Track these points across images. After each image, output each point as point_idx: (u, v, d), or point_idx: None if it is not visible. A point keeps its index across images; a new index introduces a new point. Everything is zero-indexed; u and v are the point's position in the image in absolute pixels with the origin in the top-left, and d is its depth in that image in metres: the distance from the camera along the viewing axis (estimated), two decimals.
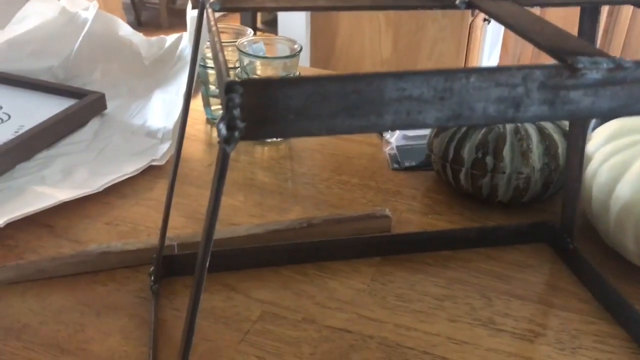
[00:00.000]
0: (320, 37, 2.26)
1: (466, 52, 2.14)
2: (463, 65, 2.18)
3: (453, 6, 0.33)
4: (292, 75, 0.81)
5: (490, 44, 2.52)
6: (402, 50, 2.17)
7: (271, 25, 2.96)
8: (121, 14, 3.30)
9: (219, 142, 0.24)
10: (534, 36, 0.27)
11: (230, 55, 0.83)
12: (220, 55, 0.25)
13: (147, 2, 4.03)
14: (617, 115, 0.26)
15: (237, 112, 0.22)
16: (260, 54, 0.81)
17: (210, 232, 0.27)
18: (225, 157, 0.24)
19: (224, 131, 0.23)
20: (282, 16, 2.31)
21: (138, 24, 3.84)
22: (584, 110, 0.25)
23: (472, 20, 2.13)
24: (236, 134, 0.23)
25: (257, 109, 0.22)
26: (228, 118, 0.22)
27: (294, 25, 2.25)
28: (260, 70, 0.80)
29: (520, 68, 0.24)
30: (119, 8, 3.33)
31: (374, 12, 2.15)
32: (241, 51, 0.77)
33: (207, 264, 0.28)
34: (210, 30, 0.29)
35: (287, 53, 0.80)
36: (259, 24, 3.06)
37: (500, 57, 2.77)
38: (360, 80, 0.23)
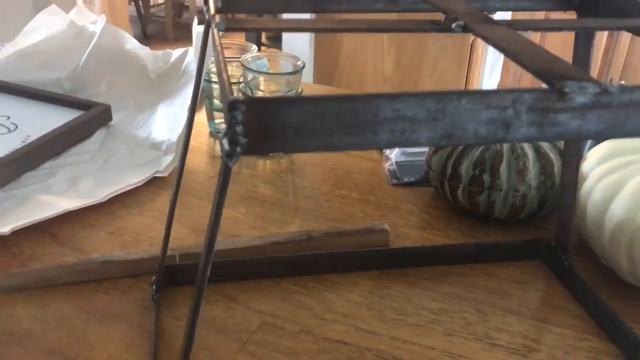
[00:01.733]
0: (323, 54, 2.28)
1: (467, 71, 2.17)
2: (464, 84, 2.20)
3: (449, 30, 0.35)
4: (294, 91, 0.82)
5: (492, 63, 2.54)
6: (404, 68, 2.20)
7: (276, 41, 2.99)
8: (128, 27, 3.34)
9: (221, 157, 0.25)
10: (525, 60, 0.29)
11: (235, 71, 0.85)
12: (224, 73, 0.26)
13: (153, 15, 4.07)
14: (604, 137, 0.27)
15: (239, 128, 0.24)
16: (264, 69, 0.83)
17: (211, 243, 0.28)
18: (228, 171, 0.25)
19: (226, 146, 0.24)
20: (286, 33, 2.34)
21: (144, 37, 3.88)
22: (571, 132, 0.27)
23: (474, 40, 2.16)
24: (238, 149, 0.24)
25: (258, 126, 0.24)
26: (231, 134, 0.24)
27: (298, 41, 2.27)
28: (264, 86, 0.82)
29: (510, 91, 0.25)
30: (125, 21, 3.37)
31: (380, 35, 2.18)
32: (245, 67, 0.79)
33: (208, 274, 0.30)
34: (215, 49, 0.30)
35: (290, 69, 0.82)
36: (263, 40, 3.09)
37: (502, 76, 2.79)
38: (357, 100, 0.24)
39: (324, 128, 0.24)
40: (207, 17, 0.37)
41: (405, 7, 0.46)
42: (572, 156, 0.56)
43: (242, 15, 0.44)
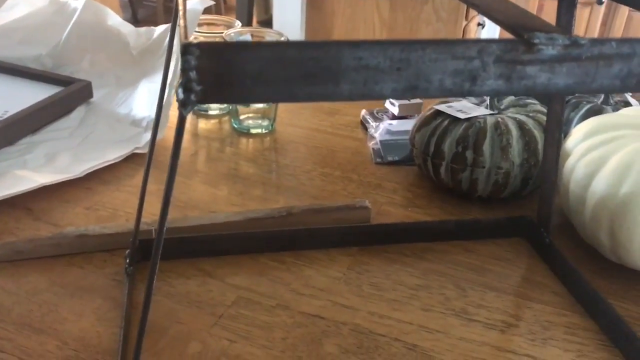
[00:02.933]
0: (314, 38, 2.26)
1: None
2: None
3: None
4: None
5: None
6: None
7: (266, 25, 2.97)
8: (118, 11, 3.30)
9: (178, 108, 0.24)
10: (497, 15, 0.28)
11: None
12: (181, 20, 0.25)
13: (144, 0, 4.03)
14: (574, 91, 0.26)
15: (193, 74, 0.23)
16: None
17: (167, 196, 0.27)
18: (182, 120, 0.24)
19: (180, 94, 0.23)
20: (277, 16, 2.32)
21: (135, 21, 3.84)
22: (540, 86, 0.26)
23: (466, 25, 2.15)
24: (192, 96, 0.23)
25: (213, 72, 0.23)
26: (185, 81, 0.23)
27: (289, 25, 2.25)
28: None
29: (476, 41, 0.24)
30: (115, 5, 3.34)
31: (369, 14, 2.16)
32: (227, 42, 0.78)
33: (166, 221, 0.29)
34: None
35: None
36: (254, 24, 3.06)
37: None
38: (318, 48, 0.23)
39: (283, 76, 0.23)
40: None
41: None
42: (554, 130, 0.55)
43: None
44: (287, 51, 0.23)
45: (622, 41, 0.26)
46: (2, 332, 0.48)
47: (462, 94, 0.25)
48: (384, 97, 0.25)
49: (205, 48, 0.22)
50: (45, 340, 0.47)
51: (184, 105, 0.23)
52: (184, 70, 0.22)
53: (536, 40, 0.25)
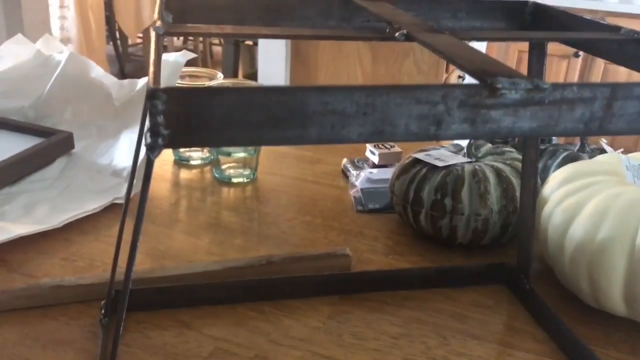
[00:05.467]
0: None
1: None
2: None
3: (392, 38, 0.35)
4: None
5: (469, 78, 2.57)
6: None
7: (252, 79, 3.01)
8: (105, 66, 3.34)
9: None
10: (461, 61, 0.29)
11: None
12: (152, 67, 0.25)
13: (131, 54, 4.09)
14: (539, 135, 0.27)
15: (160, 119, 0.23)
16: None
17: (136, 236, 0.27)
18: (150, 164, 0.24)
19: (148, 138, 0.23)
20: (262, 70, 2.36)
21: (122, 75, 3.88)
22: (505, 129, 0.26)
23: (447, 77, 2.19)
24: (160, 140, 0.23)
25: (180, 117, 0.23)
26: (152, 125, 0.23)
27: (274, 79, 2.29)
28: None
29: (440, 87, 0.25)
30: (103, 59, 3.38)
31: (352, 67, 2.20)
32: None
33: (133, 265, 0.28)
34: (149, 51, 0.29)
35: None
36: (240, 77, 3.11)
37: None
38: (284, 92, 0.24)
39: (250, 120, 0.24)
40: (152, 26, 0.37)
41: (358, 24, 0.46)
42: (530, 177, 0.56)
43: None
44: (254, 96, 0.23)
45: (583, 85, 0.27)
46: None
47: (429, 138, 0.26)
48: (351, 141, 0.25)
49: (172, 93, 0.23)
50: None
51: (151, 149, 0.23)
52: (152, 114, 0.23)
53: (499, 85, 0.25)
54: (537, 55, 0.48)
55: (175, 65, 0.81)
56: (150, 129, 0.23)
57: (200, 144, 0.24)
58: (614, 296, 0.55)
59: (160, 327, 0.54)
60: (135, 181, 0.53)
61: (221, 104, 0.23)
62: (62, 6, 3.28)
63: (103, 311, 0.53)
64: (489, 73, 0.26)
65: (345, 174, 0.87)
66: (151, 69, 0.25)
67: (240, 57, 3.14)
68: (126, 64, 3.94)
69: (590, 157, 0.75)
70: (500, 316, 0.59)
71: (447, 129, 0.26)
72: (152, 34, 0.32)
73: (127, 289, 0.28)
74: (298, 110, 0.24)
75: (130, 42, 4.04)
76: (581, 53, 2.31)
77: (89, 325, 0.54)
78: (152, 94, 0.22)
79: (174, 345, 0.52)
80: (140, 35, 3.92)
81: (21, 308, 0.55)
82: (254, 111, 0.24)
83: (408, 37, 0.35)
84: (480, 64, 0.28)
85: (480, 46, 2.18)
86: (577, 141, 0.80)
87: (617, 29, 0.41)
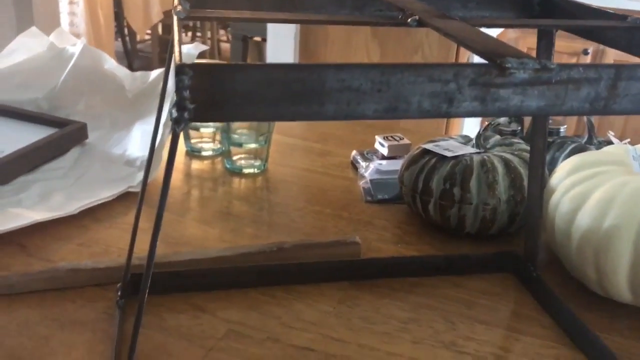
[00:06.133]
0: None
1: None
2: (445, 121, 2.22)
3: (405, 24, 0.36)
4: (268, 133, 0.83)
5: None
6: None
7: None
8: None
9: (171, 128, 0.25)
10: (471, 43, 0.30)
11: None
12: (176, 46, 0.27)
13: (140, 50, 4.11)
14: (546, 113, 0.28)
15: (186, 93, 0.24)
16: None
17: (160, 212, 0.28)
18: (175, 138, 0.26)
19: (174, 113, 0.24)
20: (270, 58, 2.36)
21: (131, 71, 3.90)
22: (514, 108, 0.27)
23: (458, 49, 2.17)
24: (186, 114, 0.24)
25: (205, 92, 0.24)
26: (178, 99, 0.24)
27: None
28: None
29: (452, 65, 0.26)
30: (111, 55, 3.40)
31: (361, 57, 2.21)
32: None
33: (156, 248, 0.30)
34: (171, 32, 0.31)
35: None
36: None
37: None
38: (303, 69, 0.25)
39: (270, 96, 0.25)
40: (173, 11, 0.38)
41: (370, 14, 0.47)
42: (537, 165, 0.57)
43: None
44: (274, 72, 0.25)
45: (589, 66, 0.28)
46: None
47: (440, 115, 0.27)
48: (366, 117, 0.26)
49: (198, 68, 0.24)
50: None
51: (177, 122, 0.24)
52: (178, 89, 0.24)
53: (508, 65, 0.26)
54: (545, 46, 0.49)
55: (187, 57, 0.82)
56: (177, 103, 0.24)
57: (223, 118, 0.25)
58: (620, 283, 0.56)
59: (175, 310, 0.55)
60: (151, 169, 0.55)
61: (244, 80, 0.24)
62: (71, 2, 3.30)
63: (120, 293, 0.54)
64: (498, 54, 0.27)
65: (354, 165, 0.89)
66: (176, 48, 0.27)
67: (248, 53, 3.15)
68: (134, 60, 3.97)
69: (598, 149, 0.76)
70: (507, 303, 0.60)
71: (458, 106, 0.27)
72: (174, 18, 0.33)
73: (152, 260, 0.30)
74: (316, 86, 0.25)
75: (138, 38, 4.06)
76: (590, 50, 2.30)
77: (105, 307, 0.55)
78: (180, 70, 0.23)
79: (188, 327, 0.53)
80: (149, 31, 3.94)
81: (40, 290, 0.57)
82: (274, 87, 0.25)
83: (420, 23, 0.36)
84: (491, 46, 0.29)
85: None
86: (585, 133, 0.81)
87: (624, 17, 0.42)
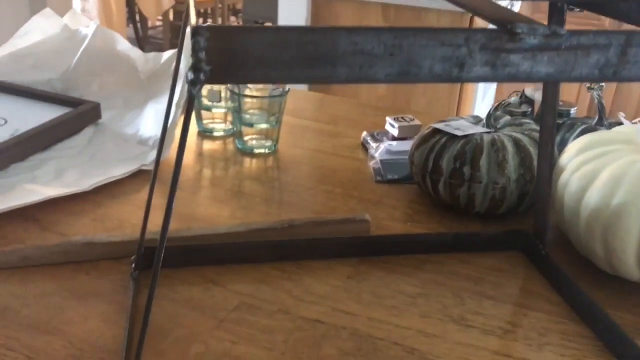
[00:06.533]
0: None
1: (460, 92, 2.19)
2: (456, 104, 2.22)
3: None
4: (279, 97, 0.84)
5: (485, 85, 2.57)
6: (397, 87, 2.22)
7: None
8: None
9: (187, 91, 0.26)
10: (483, 12, 0.30)
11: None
12: (192, 8, 0.27)
13: (151, 36, 4.12)
14: (555, 79, 0.28)
15: (202, 55, 0.25)
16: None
17: (176, 175, 0.29)
18: (192, 99, 0.26)
19: (190, 75, 0.25)
20: None
21: None
22: (523, 74, 0.28)
23: None
24: (201, 75, 0.25)
25: (221, 54, 0.25)
26: (195, 60, 0.25)
27: None
28: (248, 90, 0.83)
29: (464, 30, 0.27)
30: None
31: None
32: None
33: (172, 207, 0.30)
34: (182, 17, 0.31)
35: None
36: None
37: (495, 98, 2.82)
38: (316, 32, 0.25)
39: (284, 58, 0.26)
40: None
41: None
42: (547, 142, 0.57)
43: None
44: (288, 35, 0.25)
45: (599, 32, 0.28)
46: (10, 332, 0.49)
47: (451, 80, 0.27)
48: (378, 81, 0.27)
49: (214, 30, 0.24)
50: (51, 340, 0.49)
51: (193, 84, 0.25)
52: (194, 51, 0.24)
53: (518, 30, 0.27)
54: (557, 16, 0.49)
55: None
56: (193, 65, 0.25)
57: (238, 79, 0.26)
58: (629, 261, 0.56)
59: (187, 283, 0.56)
60: (164, 147, 0.55)
61: (258, 41, 0.25)
62: None
63: (134, 265, 0.55)
64: (509, 20, 0.28)
65: (364, 146, 0.89)
66: (192, 10, 0.27)
67: None
68: (146, 46, 3.98)
69: (608, 129, 0.76)
70: (515, 280, 0.60)
71: (469, 71, 0.27)
72: None
73: (167, 229, 0.30)
74: (329, 49, 0.26)
75: (150, 24, 4.07)
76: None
77: (119, 279, 0.56)
78: (196, 31, 0.24)
79: (200, 299, 0.54)
80: (160, 18, 3.95)
81: (55, 263, 0.58)
82: (287, 49, 0.25)
83: None
84: (502, 13, 0.30)
85: None
86: (595, 115, 0.81)
87: None
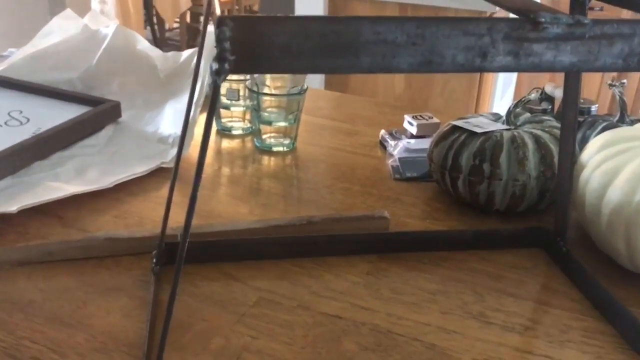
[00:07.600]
0: (334, 76, 2.31)
1: (478, 91, 2.18)
2: (475, 103, 2.21)
3: None
4: (299, 87, 0.84)
5: (504, 84, 2.55)
6: (414, 87, 2.22)
7: None
8: None
9: (211, 81, 0.26)
10: (506, 2, 0.30)
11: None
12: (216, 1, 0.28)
13: (169, 39, 4.15)
14: (579, 69, 0.28)
15: (227, 45, 0.25)
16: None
17: (201, 163, 0.29)
18: (217, 89, 0.27)
19: (215, 65, 0.25)
20: None
21: None
22: (547, 63, 0.28)
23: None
24: (226, 65, 0.25)
25: (245, 44, 0.25)
26: (219, 50, 0.25)
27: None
28: (269, 81, 0.84)
29: (487, 19, 0.27)
30: None
31: None
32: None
33: (196, 200, 0.31)
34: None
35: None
36: None
37: (514, 97, 2.80)
38: (339, 22, 0.26)
39: (308, 48, 0.26)
40: None
41: None
42: (568, 139, 0.57)
43: None
44: (311, 24, 0.25)
45: (623, 22, 0.28)
46: (33, 325, 0.50)
47: (474, 69, 0.27)
48: (401, 71, 0.27)
49: (238, 20, 0.25)
50: (74, 333, 0.49)
51: (217, 74, 0.25)
52: (219, 40, 0.25)
53: (542, 19, 0.27)
54: (579, 12, 0.49)
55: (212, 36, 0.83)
56: (218, 55, 0.25)
57: (262, 70, 0.26)
58: None
59: (208, 278, 0.57)
60: (184, 144, 0.56)
61: (282, 31, 0.25)
62: None
63: (155, 260, 0.56)
64: (532, 10, 0.28)
65: (383, 145, 0.89)
66: (216, 2, 0.27)
67: None
68: (163, 48, 4.00)
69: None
70: (536, 277, 0.60)
71: (492, 61, 0.27)
72: None
73: (189, 224, 0.31)
74: (352, 39, 0.26)
75: (167, 27, 4.10)
76: None
77: (141, 275, 0.57)
78: (221, 21, 0.24)
79: (221, 295, 0.55)
80: (177, 20, 3.98)
81: (77, 258, 0.58)
82: (311, 39, 0.26)
83: None
84: (525, 4, 0.30)
85: None
86: (617, 112, 0.80)
87: None
